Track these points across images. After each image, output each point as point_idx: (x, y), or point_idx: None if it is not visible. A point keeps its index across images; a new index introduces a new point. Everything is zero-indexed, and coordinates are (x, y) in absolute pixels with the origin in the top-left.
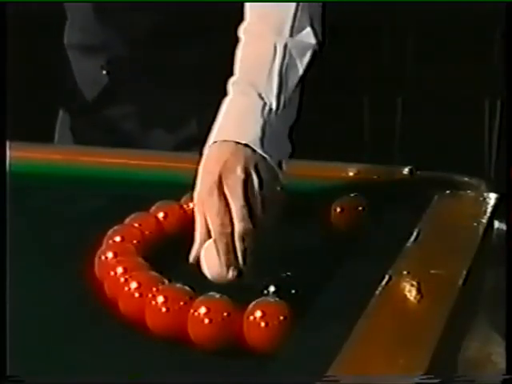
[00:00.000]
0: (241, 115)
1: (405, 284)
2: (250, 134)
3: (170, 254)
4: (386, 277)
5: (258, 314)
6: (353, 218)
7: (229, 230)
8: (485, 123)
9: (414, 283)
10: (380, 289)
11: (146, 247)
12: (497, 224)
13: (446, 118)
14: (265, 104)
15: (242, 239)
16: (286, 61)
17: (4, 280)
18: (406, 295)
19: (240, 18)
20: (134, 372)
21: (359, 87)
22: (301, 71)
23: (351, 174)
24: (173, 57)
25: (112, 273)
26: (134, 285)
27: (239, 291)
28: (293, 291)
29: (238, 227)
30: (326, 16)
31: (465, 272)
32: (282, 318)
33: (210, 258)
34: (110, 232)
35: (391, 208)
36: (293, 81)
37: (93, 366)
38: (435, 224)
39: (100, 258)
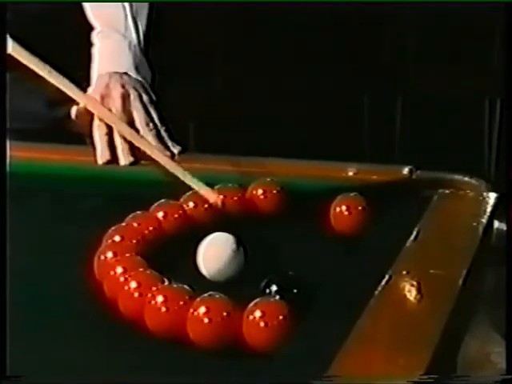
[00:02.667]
0: (113, 52)
1: (404, 284)
2: (125, 64)
3: (169, 254)
4: (386, 276)
5: (258, 313)
6: (353, 217)
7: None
8: (485, 123)
9: (414, 283)
10: (380, 288)
11: (145, 247)
12: (497, 224)
13: (446, 117)
14: (130, 42)
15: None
16: (134, 8)
17: (4, 280)
18: (405, 295)
19: None
20: (134, 372)
21: (359, 87)
22: (146, 11)
23: (351, 173)
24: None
25: (111, 272)
26: (133, 284)
27: (239, 291)
28: (294, 291)
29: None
30: (325, 16)
31: (465, 272)
32: (281, 317)
33: (207, 256)
34: (109, 231)
35: (391, 208)
36: (143, 22)
37: (93, 365)
38: (435, 224)
39: (99, 257)
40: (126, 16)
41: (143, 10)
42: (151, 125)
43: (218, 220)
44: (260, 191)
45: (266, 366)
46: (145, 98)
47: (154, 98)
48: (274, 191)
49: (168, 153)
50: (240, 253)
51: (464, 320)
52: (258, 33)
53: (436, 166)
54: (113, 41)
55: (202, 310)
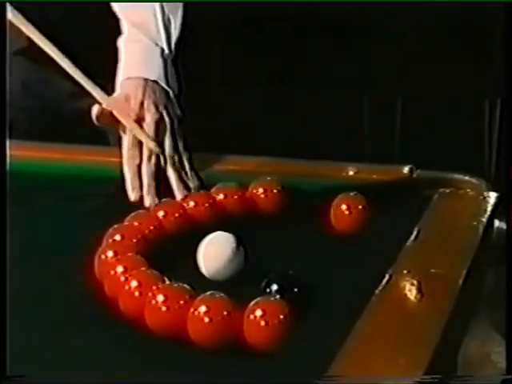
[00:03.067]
0: (143, 56)
1: (405, 283)
2: (156, 71)
3: (170, 253)
4: (387, 276)
5: (259, 312)
6: (353, 216)
7: (137, 161)
8: (485, 122)
9: (415, 282)
10: (380, 288)
11: (146, 246)
12: (497, 223)
13: (447, 117)
14: (161, 49)
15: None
16: (165, 14)
17: (4, 280)
18: (406, 294)
19: None
20: (134, 372)
21: (359, 87)
22: (179, 21)
23: (351, 172)
24: None
25: (112, 272)
26: (134, 283)
27: (239, 290)
28: (295, 290)
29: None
30: (326, 16)
31: (465, 271)
32: (282, 317)
33: (207, 256)
34: (110, 231)
35: (391, 207)
36: (175, 30)
37: (93, 365)
38: (435, 223)
39: (100, 257)
40: (157, 22)
41: (176, 19)
42: (176, 157)
43: (218, 219)
44: (260, 190)
45: (267, 365)
46: (175, 122)
47: (180, 114)
48: (275, 190)
49: (184, 191)
50: (240, 252)
51: (464, 319)
52: (258, 32)
53: (436, 166)
54: (143, 45)
55: (203, 309)
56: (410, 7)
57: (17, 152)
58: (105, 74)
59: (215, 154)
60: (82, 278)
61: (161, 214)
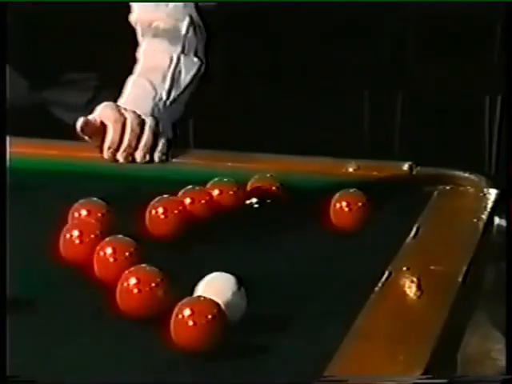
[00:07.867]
0: (137, 97)
1: (405, 280)
2: (145, 110)
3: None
4: (386, 273)
5: (187, 312)
6: (353, 213)
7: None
8: (485, 119)
9: (414, 279)
10: (380, 285)
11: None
12: (497, 220)
13: (447, 114)
14: (156, 94)
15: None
16: (177, 69)
17: (4, 279)
18: (405, 291)
19: None
20: (134, 371)
21: (360, 83)
22: (188, 79)
23: (351, 169)
24: None
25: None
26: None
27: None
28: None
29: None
30: (326, 15)
31: (465, 268)
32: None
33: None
34: (73, 207)
35: (391, 204)
36: (182, 84)
37: (93, 365)
38: (435, 220)
39: (99, 253)
40: (166, 72)
41: (188, 73)
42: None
43: (216, 215)
44: None
45: (266, 361)
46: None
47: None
48: (274, 187)
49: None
50: (241, 294)
51: (464, 316)
52: (258, 30)
53: (436, 162)
54: (142, 89)
55: (187, 312)
56: (410, 6)
57: (15, 149)
58: None
59: (215, 151)
60: (82, 276)
61: (160, 210)
